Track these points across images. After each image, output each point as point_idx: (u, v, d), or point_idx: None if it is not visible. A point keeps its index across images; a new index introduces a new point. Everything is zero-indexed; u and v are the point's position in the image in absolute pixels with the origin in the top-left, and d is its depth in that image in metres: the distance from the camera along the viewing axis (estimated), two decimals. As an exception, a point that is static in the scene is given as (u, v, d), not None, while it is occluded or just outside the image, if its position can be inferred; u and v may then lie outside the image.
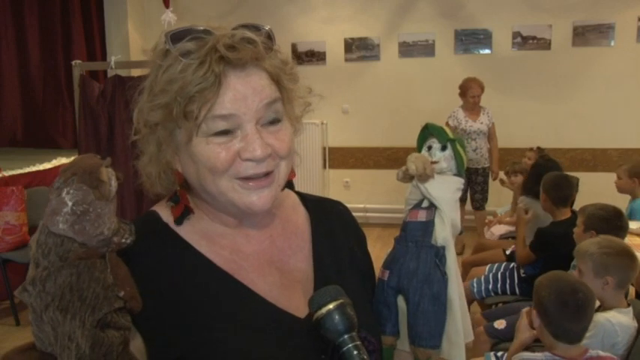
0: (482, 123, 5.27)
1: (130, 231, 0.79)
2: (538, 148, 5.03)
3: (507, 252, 3.84)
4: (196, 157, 0.81)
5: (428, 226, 1.06)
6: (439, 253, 1.05)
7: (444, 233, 1.06)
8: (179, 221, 0.88)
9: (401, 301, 1.06)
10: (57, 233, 0.72)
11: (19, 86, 6.46)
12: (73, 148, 5.01)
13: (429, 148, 1.11)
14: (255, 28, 0.83)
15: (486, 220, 5.04)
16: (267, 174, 0.83)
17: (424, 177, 1.06)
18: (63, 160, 5.26)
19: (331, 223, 1.02)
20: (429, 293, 1.03)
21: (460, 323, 1.07)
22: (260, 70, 0.82)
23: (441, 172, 1.09)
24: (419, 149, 1.14)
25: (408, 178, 1.10)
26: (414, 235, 1.06)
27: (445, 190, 1.07)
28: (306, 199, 1.04)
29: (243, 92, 0.80)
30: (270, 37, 0.84)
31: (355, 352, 0.75)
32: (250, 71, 0.81)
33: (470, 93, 5.24)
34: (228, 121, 0.80)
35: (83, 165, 0.75)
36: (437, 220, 1.06)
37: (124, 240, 0.78)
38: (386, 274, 1.06)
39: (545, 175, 3.42)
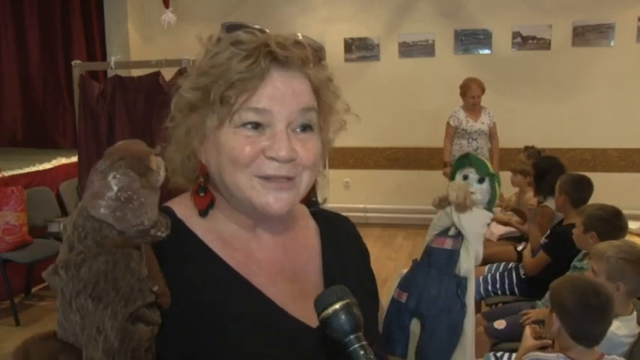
0: (483, 123, 5.27)
1: (167, 225, 0.77)
2: (526, 147, 5.04)
3: (519, 249, 3.82)
4: (221, 145, 0.81)
5: (453, 255, 1.06)
6: (461, 284, 1.06)
7: (467, 264, 1.06)
8: (204, 213, 0.88)
9: (414, 325, 1.06)
10: (97, 217, 0.70)
11: (19, 86, 6.46)
12: (73, 148, 5.00)
13: (465, 177, 1.11)
14: (309, 39, 0.86)
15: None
16: (289, 179, 0.82)
17: (463, 207, 1.07)
18: (63, 160, 5.26)
19: (340, 239, 1.02)
20: (447, 322, 1.03)
21: (469, 354, 1.07)
22: (304, 76, 0.84)
23: (475, 204, 1.08)
24: (452, 176, 1.13)
25: (443, 205, 1.10)
26: (439, 262, 1.06)
27: (476, 223, 1.08)
28: (315, 213, 1.04)
29: (283, 91, 0.81)
30: (322, 50, 0.87)
31: (362, 352, 0.75)
32: (294, 73, 0.82)
33: (469, 93, 5.24)
34: (261, 115, 0.80)
35: (132, 150, 0.73)
36: (462, 251, 1.07)
37: (159, 233, 0.75)
38: (404, 296, 1.06)
39: (564, 175, 3.41)
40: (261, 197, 0.82)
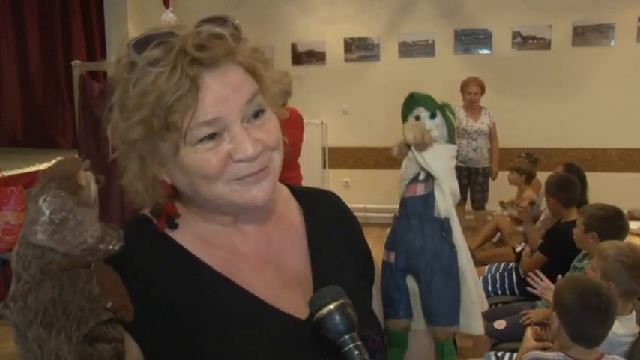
0: (483, 123, 5.27)
1: (118, 237, 0.75)
2: (527, 153, 5.06)
3: (517, 249, 3.84)
4: (187, 168, 0.78)
5: (428, 199, 1.01)
6: (444, 226, 1.00)
7: (445, 204, 1.00)
8: (171, 226, 0.85)
9: (411, 281, 1.02)
10: (37, 244, 0.68)
11: (19, 86, 6.46)
12: (73, 148, 5.01)
13: (417, 118, 1.05)
14: (221, 21, 0.80)
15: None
16: (262, 169, 0.81)
17: (423, 146, 1.00)
18: (63, 160, 5.25)
19: (324, 215, 0.99)
20: (440, 269, 0.98)
21: (475, 294, 1.02)
22: (234, 64, 0.79)
23: (434, 141, 1.02)
24: (404, 121, 1.08)
25: (405, 151, 1.05)
26: (416, 210, 1.01)
27: (441, 159, 1.01)
28: (298, 193, 1.01)
29: (223, 92, 0.76)
30: (236, 27, 0.81)
31: (356, 352, 0.75)
32: (225, 68, 0.77)
33: (467, 89, 5.25)
34: (213, 125, 0.76)
35: (60, 170, 0.71)
36: (437, 192, 1.01)
37: (111, 247, 0.73)
38: (391, 255, 1.01)
39: (548, 178, 3.42)
40: (245, 195, 0.81)
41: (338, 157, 6.67)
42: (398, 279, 1.01)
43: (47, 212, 0.68)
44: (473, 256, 1.03)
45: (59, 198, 0.68)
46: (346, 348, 0.75)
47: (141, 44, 0.76)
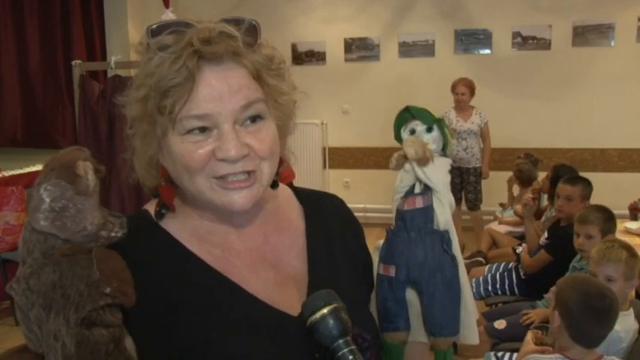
0: (473, 123, 5.28)
1: (121, 224, 0.77)
2: (526, 154, 5.05)
3: (517, 251, 3.84)
4: (172, 153, 0.80)
5: (428, 212, 1.01)
6: (444, 238, 1.00)
7: (445, 216, 1.01)
8: (158, 216, 0.86)
9: (409, 294, 1.02)
10: (39, 230, 0.71)
11: (19, 86, 6.45)
12: (73, 148, 5.00)
13: (412, 131, 1.05)
14: (236, 22, 0.80)
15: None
16: (250, 173, 0.80)
17: (425, 161, 1.00)
18: (63, 160, 5.26)
19: (326, 218, 0.99)
20: (443, 281, 0.99)
21: (471, 304, 1.03)
22: (239, 66, 0.79)
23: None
24: (397, 134, 1.08)
25: (401, 164, 1.05)
26: (416, 223, 1.01)
27: (440, 171, 1.02)
28: (300, 194, 1.01)
29: (219, 89, 0.77)
30: (255, 30, 0.81)
31: (350, 357, 0.75)
32: (227, 66, 0.78)
33: (455, 90, 5.27)
34: (204, 120, 0.77)
35: (61, 159, 0.74)
36: (436, 204, 1.01)
37: (113, 234, 0.76)
38: (391, 269, 1.01)
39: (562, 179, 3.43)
40: (223, 197, 0.81)
41: (338, 157, 6.67)
42: (398, 292, 1.01)
43: (47, 200, 0.71)
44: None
45: (59, 187, 0.71)
46: (340, 353, 0.75)
47: (157, 30, 0.79)
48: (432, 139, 1.03)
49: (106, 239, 0.75)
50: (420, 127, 1.04)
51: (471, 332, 1.04)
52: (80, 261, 0.71)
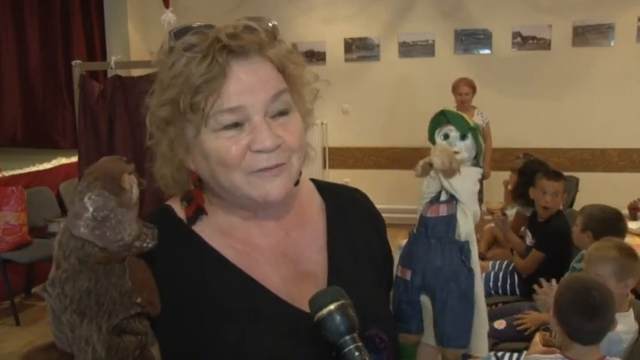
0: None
1: (153, 235, 0.80)
2: (524, 154, 5.03)
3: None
4: (207, 152, 0.81)
5: (450, 221, 0.99)
6: (464, 249, 0.99)
7: (467, 228, 0.99)
8: (192, 220, 0.88)
9: (424, 298, 1.02)
10: (78, 236, 0.73)
11: (19, 86, 6.46)
12: (73, 148, 5.00)
13: (446, 136, 1.02)
14: (257, 20, 0.84)
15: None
16: (280, 165, 0.83)
17: (450, 172, 0.98)
18: (63, 160, 5.26)
19: (347, 213, 1.00)
20: (457, 291, 0.97)
21: (484, 317, 1.02)
22: (264, 59, 0.82)
23: (461, 162, 1.00)
24: (431, 137, 1.06)
25: (427, 171, 1.03)
26: (437, 231, 1.00)
27: (467, 182, 0.99)
28: (322, 188, 1.02)
29: (249, 82, 0.79)
30: (273, 27, 0.86)
31: (357, 354, 0.75)
32: (254, 60, 0.81)
33: (457, 91, 5.26)
34: (236, 113, 0.80)
35: (106, 170, 0.76)
36: (459, 215, 0.99)
37: (145, 244, 0.79)
38: (408, 273, 1.00)
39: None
40: (260, 189, 0.82)
41: (338, 157, 6.67)
42: (413, 296, 1.01)
43: (91, 209, 0.73)
44: (483, 257, 1.01)
45: (103, 197, 0.74)
46: (347, 349, 0.75)
47: (180, 32, 0.81)
48: (464, 147, 1.01)
49: (139, 249, 0.78)
50: (454, 132, 1.01)
51: (481, 343, 1.02)
52: (115, 270, 0.74)
